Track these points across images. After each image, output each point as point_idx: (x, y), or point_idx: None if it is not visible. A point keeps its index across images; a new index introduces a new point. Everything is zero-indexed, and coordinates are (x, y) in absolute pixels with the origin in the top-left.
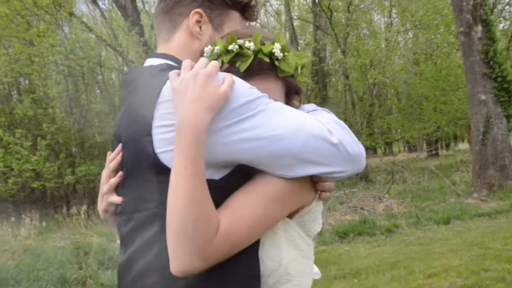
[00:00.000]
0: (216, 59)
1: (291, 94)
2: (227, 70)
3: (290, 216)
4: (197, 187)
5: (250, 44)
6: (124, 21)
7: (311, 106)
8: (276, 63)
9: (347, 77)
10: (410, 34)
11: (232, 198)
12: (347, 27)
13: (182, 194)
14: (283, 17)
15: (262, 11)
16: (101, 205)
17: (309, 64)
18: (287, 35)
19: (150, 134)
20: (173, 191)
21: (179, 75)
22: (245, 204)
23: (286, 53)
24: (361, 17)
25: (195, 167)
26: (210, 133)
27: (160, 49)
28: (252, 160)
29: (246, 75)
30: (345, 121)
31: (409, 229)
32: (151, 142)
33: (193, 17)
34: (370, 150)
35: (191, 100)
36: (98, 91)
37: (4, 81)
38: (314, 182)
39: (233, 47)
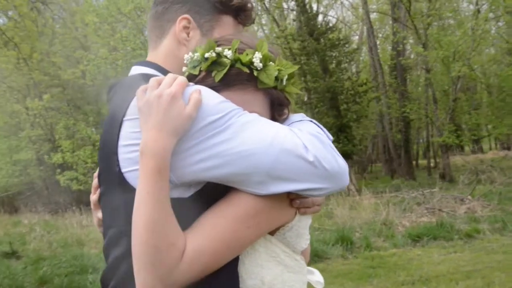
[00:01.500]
0: (195, 67)
1: (276, 106)
2: (203, 79)
3: (271, 233)
4: (159, 214)
5: (228, 52)
6: None
7: (299, 116)
8: (255, 73)
9: (428, 71)
10: (502, 23)
11: (201, 218)
12: (428, 17)
13: (144, 220)
14: (360, 11)
15: (338, 6)
16: (94, 219)
17: (294, 74)
18: (364, 29)
19: (116, 153)
20: (136, 215)
21: (146, 91)
22: (213, 226)
23: (268, 63)
24: (444, 6)
25: (157, 192)
26: (177, 153)
27: (149, 56)
28: (221, 179)
29: (223, 85)
30: (426, 117)
31: (493, 235)
32: (117, 161)
33: (180, 23)
34: (457, 148)
35: (153, 125)
36: None
37: (94, 83)
38: (291, 199)
39: (209, 54)
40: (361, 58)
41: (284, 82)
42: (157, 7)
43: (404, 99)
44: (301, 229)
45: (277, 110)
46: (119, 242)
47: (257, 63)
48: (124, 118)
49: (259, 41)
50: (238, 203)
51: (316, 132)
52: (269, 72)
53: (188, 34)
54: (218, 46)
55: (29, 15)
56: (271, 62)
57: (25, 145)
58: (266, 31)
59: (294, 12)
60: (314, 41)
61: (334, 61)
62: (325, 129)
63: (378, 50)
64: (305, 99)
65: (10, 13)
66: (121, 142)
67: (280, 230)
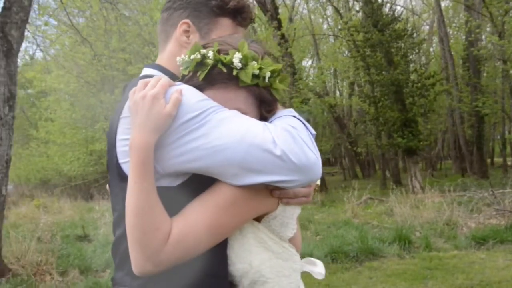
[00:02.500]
0: (186, 68)
1: (262, 103)
2: (190, 78)
3: (258, 220)
4: (144, 201)
5: (210, 54)
6: (263, 15)
7: (287, 111)
8: (234, 72)
9: (504, 62)
10: None
11: (187, 206)
12: (506, 3)
13: (131, 206)
14: None
15: None
16: None
17: (281, 70)
18: (435, 18)
19: (115, 146)
20: (127, 202)
21: (135, 92)
22: (197, 212)
23: (250, 62)
24: None
25: (141, 182)
26: (162, 147)
27: (157, 59)
28: (201, 170)
29: (207, 84)
30: (502, 111)
31: None
32: (116, 153)
33: (180, 27)
34: None
35: (138, 123)
36: None
37: None
38: (271, 190)
39: (194, 56)
40: (431, 49)
41: (267, 80)
42: (163, 14)
43: (477, 92)
44: (286, 219)
45: (263, 107)
46: (120, 223)
47: (236, 63)
48: (121, 116)
49: (240, 42)
50: (219, 193)
51: (290, 127)
52: (247, 71)
53: (188, 37)
54: (205, 48)
55: (101, 13)
56: (253, 62)
57: (99, 136)
58: (330, 23)
59: (360, 3)
60: (379, 32)
61: (399, 53)
62: (307, 124)
63: (451, 41)
64: (368, 92)
65: (87, 12)
66: (119, 136)
67: (265, 218)
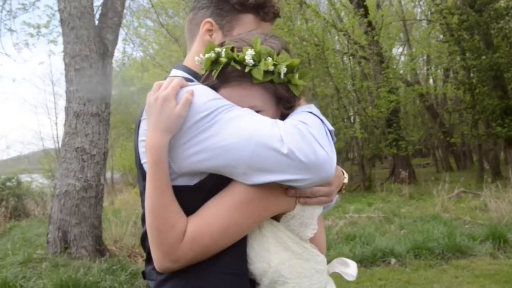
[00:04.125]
0: (203, 67)
1: (281, 100)
2: (206, 78)
3: (277, 219)
4: (159, 200)
5: (223, 52)
6: (349, 3)
7: (306, 107)
8: (247, 69)
9: None
10: None
11: (204, 205)
12: None
13: (148, 204)
14: None
15: None
16: None
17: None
18: None
19: (137, 147)
20: (145, 200)
21: (150, 95)
22: (213, 211)
23: (265, 59)
24: None
25: (155, 181)
26: (175, 147)
27: (185, 59)
28: (213, 170)
29: (222, 82)
30: None
31: None
32: (138, 154)
33: (203, 26)
34: None
35: (151, 124)
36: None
37: None
38: (285, 188)
39: (209, 55)
40: None
41: (282, 76)
42: (190, 14)
43: None
44: (306, 219)
45: (282, 103)
46: (144, 219)
47: (248, 59)
48: (141, 118)
49: (253, 38)
50: (234, 192)
51: (300, 123)
52: (259, 67)
53: (211, 36)
54: (221, 46)
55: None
56: (269, 58)
57: None
58: (422, 7)
59: None
60: (476, 13)
61: (500, 34)
62: (325, 120)
63: None
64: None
65: (181, 13)
66: (139, 138)
67: (283, 218)
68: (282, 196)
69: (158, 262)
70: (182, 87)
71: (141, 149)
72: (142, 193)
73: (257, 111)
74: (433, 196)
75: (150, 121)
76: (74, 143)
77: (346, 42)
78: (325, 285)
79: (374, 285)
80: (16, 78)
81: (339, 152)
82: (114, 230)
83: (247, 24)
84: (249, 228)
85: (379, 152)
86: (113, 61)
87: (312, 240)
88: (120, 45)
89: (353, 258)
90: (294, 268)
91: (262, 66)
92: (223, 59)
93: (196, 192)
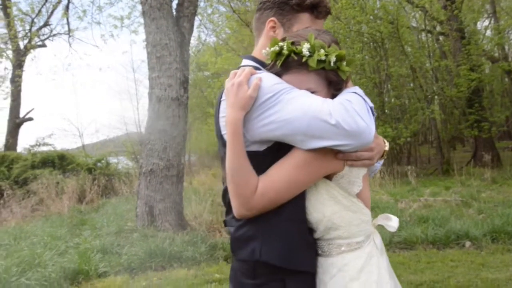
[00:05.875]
0: (269, 58)
1: (331, 83)
2: (271, 66)
3: (329, 178)
4: (237, 161)
5: (285, 46)
6: None
7: (351, 88)
8: (304, 59)
9: None
10: None
11: (271, 167)
12: None
13: (228, 165)
14: None
15: None
16: None
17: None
18: None
19: (218, 122)
20: (226, 163)
21: (228, 81)
22: (277, 171)
23: (319, 51)
24: None
25: (234, 147)
26: (249, 121)
27: (253, 51)
28: (278, 137)
29: (284, 70)
30: None
31: None
32: (219, 126)
33: (268, 24)
34: None
35: (229, 104)
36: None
37: None
38: (335, 152)
39: (274, 48)
40: None
41: (332, 64)
42: (256, 14)
43: None
44: (353, 178)
45: (332, 86)
46: (226, 179)
47: (305, 51)
48: (221, 99)
49: (309, 34)
50: (294, 156)
51: (345, 100)
52: (314, 57)
53: (274, 32)
54: (283, 41)
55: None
56: (321, 49)
57: None
58: None
59: None
60: None
61: None
62: (366, 98)
63: None
64: None
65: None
66: (220, 114)
67: (335, 177)
68: (332, 159)
69: (237, 209)
70: (252, 74)
71: (222, 123)
72: (223, 158)
73: (312, 92)
74: None
75: (228, 101)
76: (157, 126)
77: (423, 18)
78: (369, 233)
79: (445, 266)
80: (102, 67)
81: (414, 134)
82: (194, 207)
83: (304, 21)
84: (306, 185)
85: (458, 134)
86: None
87: (358, 196)
88: (195, 32)
89: (424, 240)
90: (344, 217)
91: (316, 56)
92: (285, 52)
93: (264, 156)
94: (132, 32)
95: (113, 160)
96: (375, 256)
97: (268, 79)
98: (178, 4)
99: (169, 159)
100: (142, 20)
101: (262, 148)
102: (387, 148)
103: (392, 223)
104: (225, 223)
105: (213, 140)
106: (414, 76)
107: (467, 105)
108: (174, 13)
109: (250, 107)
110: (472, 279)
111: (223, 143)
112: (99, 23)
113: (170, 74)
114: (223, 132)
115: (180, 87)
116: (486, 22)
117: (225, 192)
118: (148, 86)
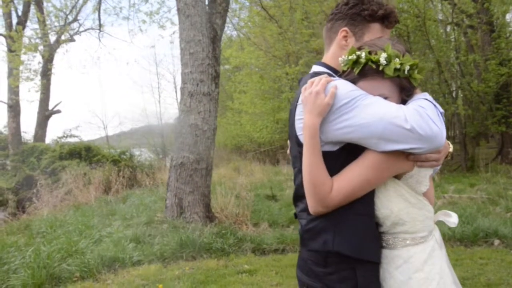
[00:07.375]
0: (345, 65)
1: (403, 89)
2: (348, 73)
3: (398, 178)
4: (313, 162)
5: (363, 55)
6: None
7: (421, 95)
8: (381, 68)
9: None
10: None
11: (346, 168)
12: None
13: (306, 165)
14: None
15: None
16: None
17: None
18: None
19: (294, 124)
20: (303, 163)
21: (305, 89)
22: (351, 171)
23: (394, 59)
24: None
25: (311, 149)
26: (324, 123)
27: (323, 58)
28: (352, 140)
29: (361, 77)
30: None
31: None
32: (295, 128)
33: (340, 34)
34: None
35: (307, 110)
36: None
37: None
38: (406, 154)
39: (352, 57)
40: None
41: (406, 72)
42: (327, 24)
43: None
44: (420, 178)
45: (403, 92)
46: (297, 176)
47: (382, 60)
48: (297, 103)
49: (386, 45)
50: (368, 157)
51: (419, 107)
52: (391, 66)
53: (346, 41)
54: (359, 50)
55: None
56: (396, 58)
57: (284, 106)
58: None
59: None
60: None
61: None
62: (437, 104)
63: None
64: None
65: None
66: (296, 117)
67: (404, 177)
68: (404, 160)
69: (313, 207)
70: (328, 83)
71: (298, 125)
72: (296, 156)
73: (385, 98)
74: None
75: (306, 108)
76: (189, 120)
77: (450, 11)
78: (432, 229)
79: (474, 263)
80: (129, 61)
81: None
82: (220, 200)
83: (374, 31)
84: (377, 183)
85: (484, 130)
86: None
87: (424, 194)
88: None
89: (451, 237)
90: (410, 214)
91: (392, 65)
92: (363, 60)
93: (337, 156)
94: (160, 27)
95: (136, 152)
96: (436, 249)
97: (343, 86)
98: (211, 1)
99: (199, 152)
100: (169, 16)
101: (335, 148)
102: (451, 149)
103: (452, 219)
104: (296, 215)
105: (231, 134)
106: (440, 71)
107: (495, 100)
108: (207, 9)
109: (327, 113)
110: (504, 277)
111: (297, 142)
112: (128, 18)
113: (202, 70)
114: (299, 133)
115: (212, 82)
116: None
117: (297, 189)
118: (181, 81)
